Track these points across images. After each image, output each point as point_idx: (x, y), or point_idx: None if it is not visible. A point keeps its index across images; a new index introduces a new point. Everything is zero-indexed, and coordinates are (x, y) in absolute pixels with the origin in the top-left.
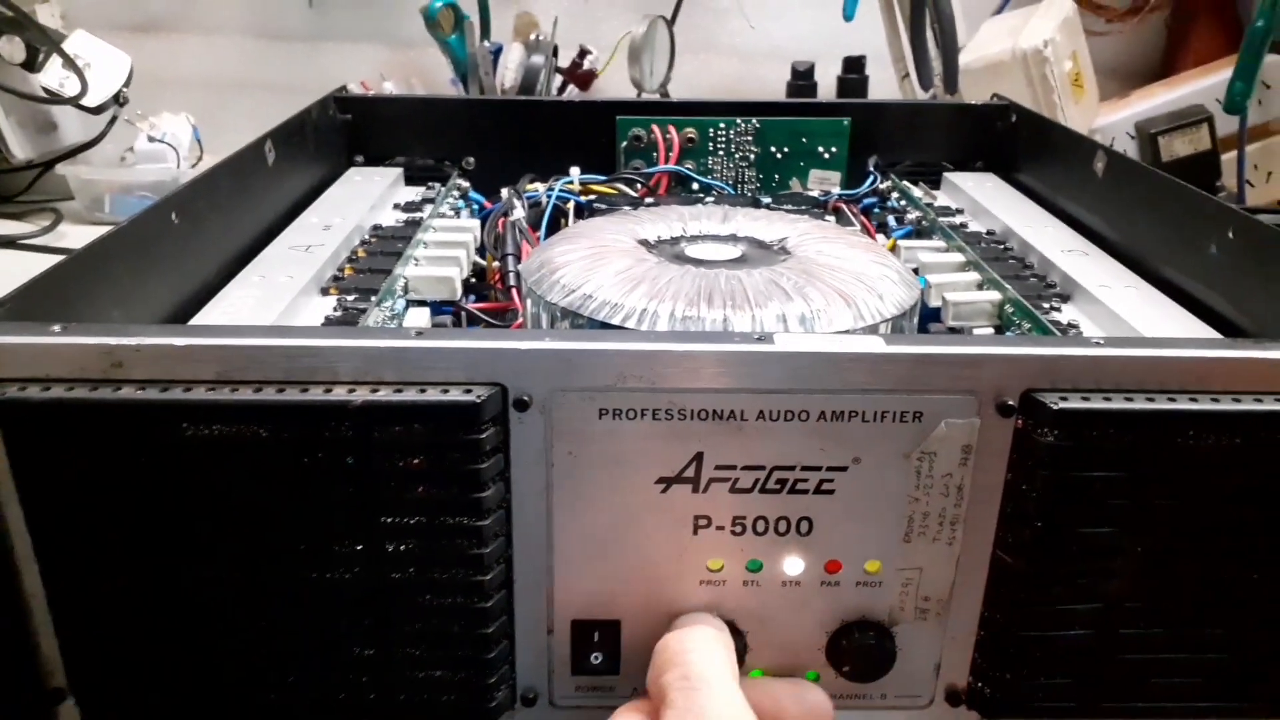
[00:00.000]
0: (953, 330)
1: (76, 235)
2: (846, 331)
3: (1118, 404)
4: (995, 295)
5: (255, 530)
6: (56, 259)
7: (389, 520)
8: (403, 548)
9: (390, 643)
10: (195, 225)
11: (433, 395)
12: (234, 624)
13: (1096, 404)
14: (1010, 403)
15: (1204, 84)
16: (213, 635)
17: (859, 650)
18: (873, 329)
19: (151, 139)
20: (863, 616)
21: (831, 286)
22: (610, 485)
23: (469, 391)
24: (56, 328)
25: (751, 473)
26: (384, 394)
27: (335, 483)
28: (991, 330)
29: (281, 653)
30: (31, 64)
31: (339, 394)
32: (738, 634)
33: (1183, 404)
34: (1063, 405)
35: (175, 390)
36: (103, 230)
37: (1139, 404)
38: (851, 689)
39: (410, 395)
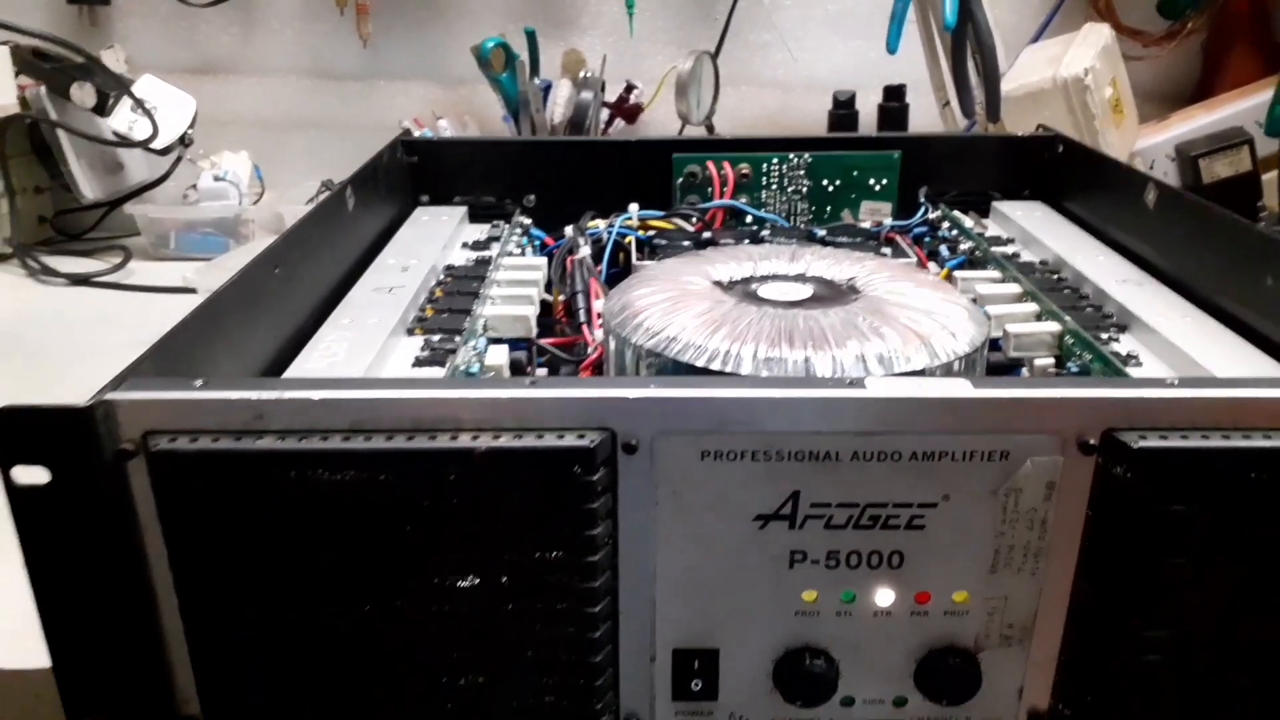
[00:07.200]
0: (1014, 362)
1: (145, 272)
2: (924, 370)
3: (1195, 442)
4: (1055, 326)
5: (380, 566)
6: (129, 295)
7: (505, 556)
8: (516, 581)
9: (501, 670)
10: (291, 274)
11: (550, 441)
12: (355, 653)
13: (1174, 442)
14: (1092, 441)
15: (1242, 106)
16: (334, 665)
17: (947, 675)
18: (948, 367)
19: (217, 178)
20: (950, 643)
21: (906, 325)
22: (711, 522)
23: (582, 437)
24: (198, 382)
25: (845, 510)
26: (505, 440)
27: (457, 521)
28: (1052, 361)
29: (399, 679)
30: (101, 108)
31: (464, 441)
32: (830, 662)
33: (1257, 441)
34: (1142, 444)
35: (313, 439)
36: (169, 265)
37: (1215, 442)
38: (939, 713)
39: (529, 441)
